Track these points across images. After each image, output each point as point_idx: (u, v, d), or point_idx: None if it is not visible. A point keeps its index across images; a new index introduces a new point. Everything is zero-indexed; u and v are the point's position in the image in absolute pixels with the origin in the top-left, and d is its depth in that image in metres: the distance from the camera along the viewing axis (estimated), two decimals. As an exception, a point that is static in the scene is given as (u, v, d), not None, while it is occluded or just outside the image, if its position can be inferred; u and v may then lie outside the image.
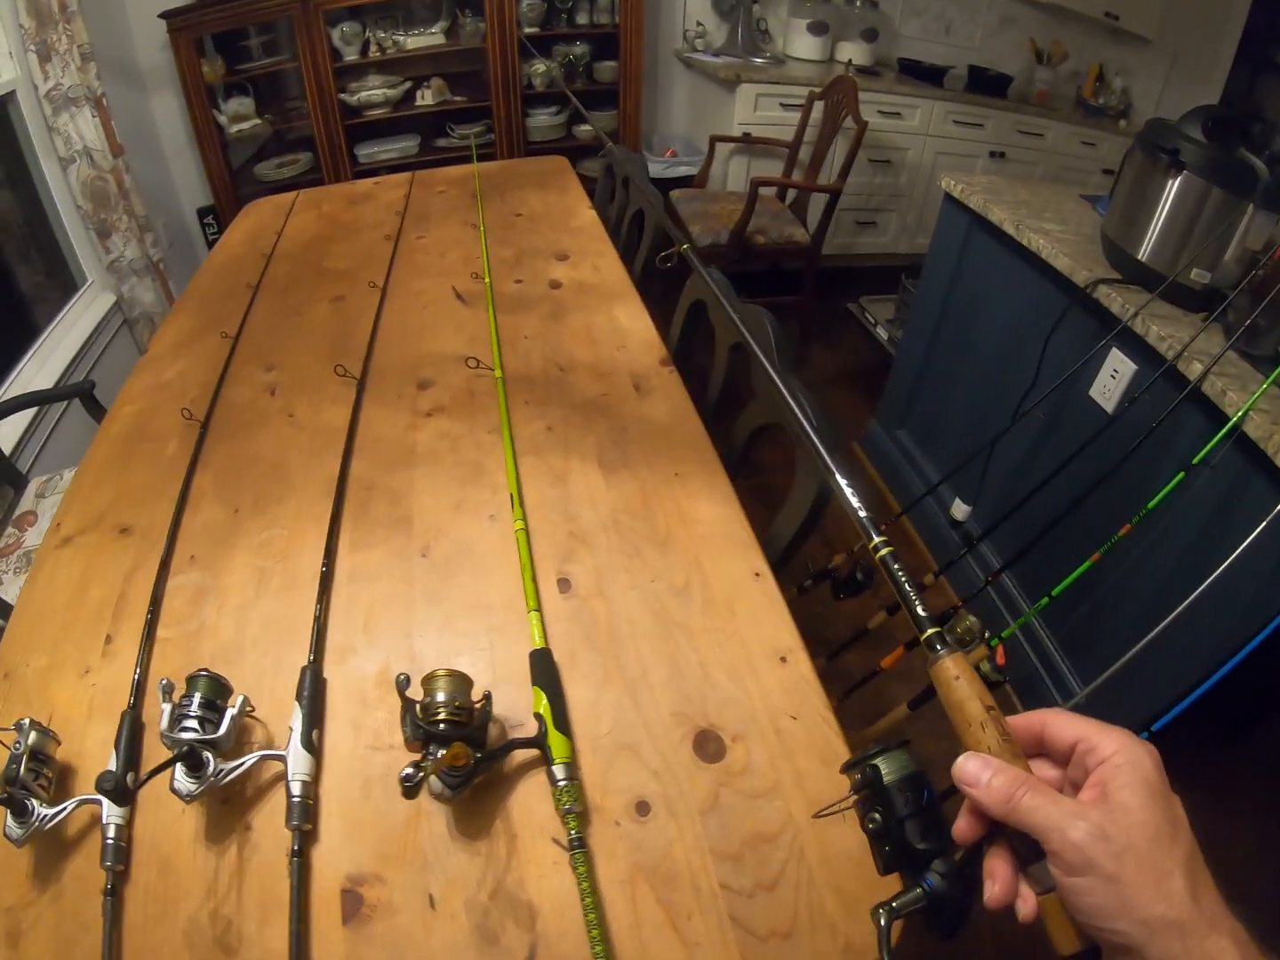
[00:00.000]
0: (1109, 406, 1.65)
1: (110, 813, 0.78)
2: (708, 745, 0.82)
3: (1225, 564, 1.18)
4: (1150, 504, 1.38)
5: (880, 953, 0.44)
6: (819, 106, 3.25)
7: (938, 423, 2.43)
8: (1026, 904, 0.40)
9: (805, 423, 0.75)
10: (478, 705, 0.78)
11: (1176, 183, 1.51)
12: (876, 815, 0.45)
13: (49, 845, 0.79)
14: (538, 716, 0.80)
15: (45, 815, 0.76)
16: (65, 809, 0.77)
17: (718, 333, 1.42)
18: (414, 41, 3.17)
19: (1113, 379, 1.63)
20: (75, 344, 2.42)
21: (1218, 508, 1.43)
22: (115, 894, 0.73)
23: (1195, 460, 1.35)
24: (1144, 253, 1.59)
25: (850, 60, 3.58)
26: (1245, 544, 1.19)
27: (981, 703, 0.42)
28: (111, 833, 0.77)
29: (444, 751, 0.70)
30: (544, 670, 0.85)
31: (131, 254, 2.63)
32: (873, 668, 1.57)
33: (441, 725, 0.73)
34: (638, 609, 0.96)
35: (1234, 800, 1.70)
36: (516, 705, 0.86)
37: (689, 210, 3.19)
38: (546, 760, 0.77)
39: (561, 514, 1.09)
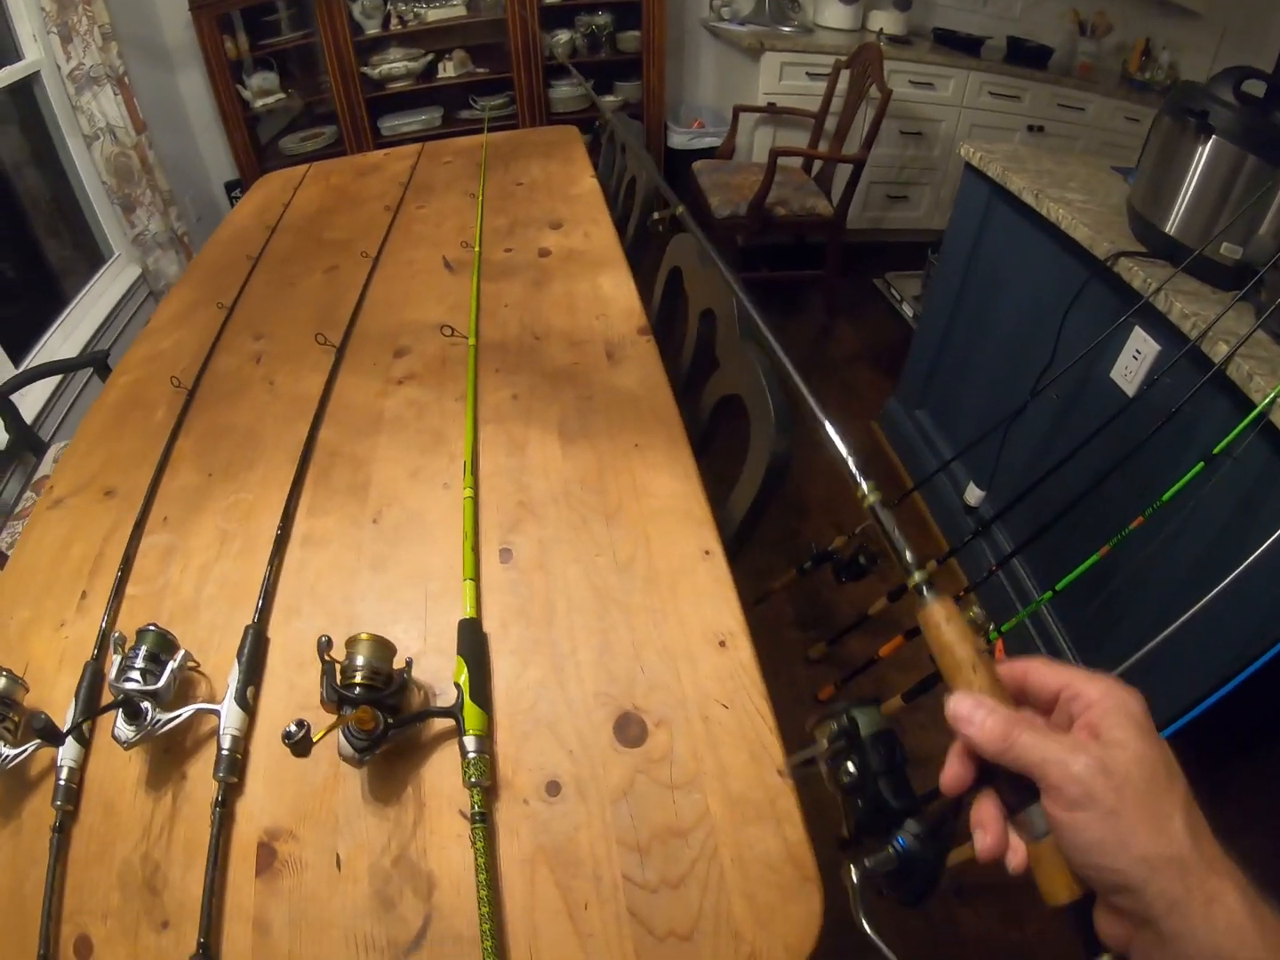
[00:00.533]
0: (1130, 389, 1.56)
1: (65, 756, 0.82)
2: (629, 729, 0.80)
3: (1246, 563, 1.10)
4: (1165, 496, 1.29)
5: (854, 913, 0.43)
6: (845, 76, 3.16)
7: (955, 403, 2.37)
8: (1017, 854, 0.39)
9: (780, 355, 0.65)
10: (397, 671, 0.79)
11: (1206, 149, 1.40)
12: (851, 768, 0.44)
13: (12, 785, 0.83)
14: (457, 686, 0.81)
15: (7, 756, 0.81)
16: (25, 750, 0.82)
17: (690, 300, 1.40)
18: (435, 14, 3.17)
19: (1135, 359, 1.54)
20: (100, 315, 2.50)
21: (1240, 502, 1.33)
22: (63, 831, 0.78)
23: (1216, 450, 1.25)
24: (1171, 225, 1.48)
25: (881, 29, 3.48)
26: (1269, 543, 1.11)
27: (972, 646, 0.41)
28: (64, 775, 0.81)
29: (352, 713, 0.72)
30: (470, 640, 0.86)
31: (156, 227, 2.69)
32: (874, 654, 1.55)
33: (357, 689, 0.75)
34: (577, 583, 0.95)
35: (1248, 814, 1.58)
36: (442, 674, 0.86)
37: (710, 181, 3.15)
38: (460, 731, 0.77)
39: (514, 483, 1.10)
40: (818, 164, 3.30)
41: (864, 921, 0.43)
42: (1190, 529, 1.41)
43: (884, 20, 3.49)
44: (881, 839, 0.43)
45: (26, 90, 2.48)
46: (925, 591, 0.43)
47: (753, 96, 3.41)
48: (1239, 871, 0.35)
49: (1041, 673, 0.41)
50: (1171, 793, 0.36)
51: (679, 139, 3.65)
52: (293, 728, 0.65)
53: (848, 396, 2.98)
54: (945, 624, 0.42)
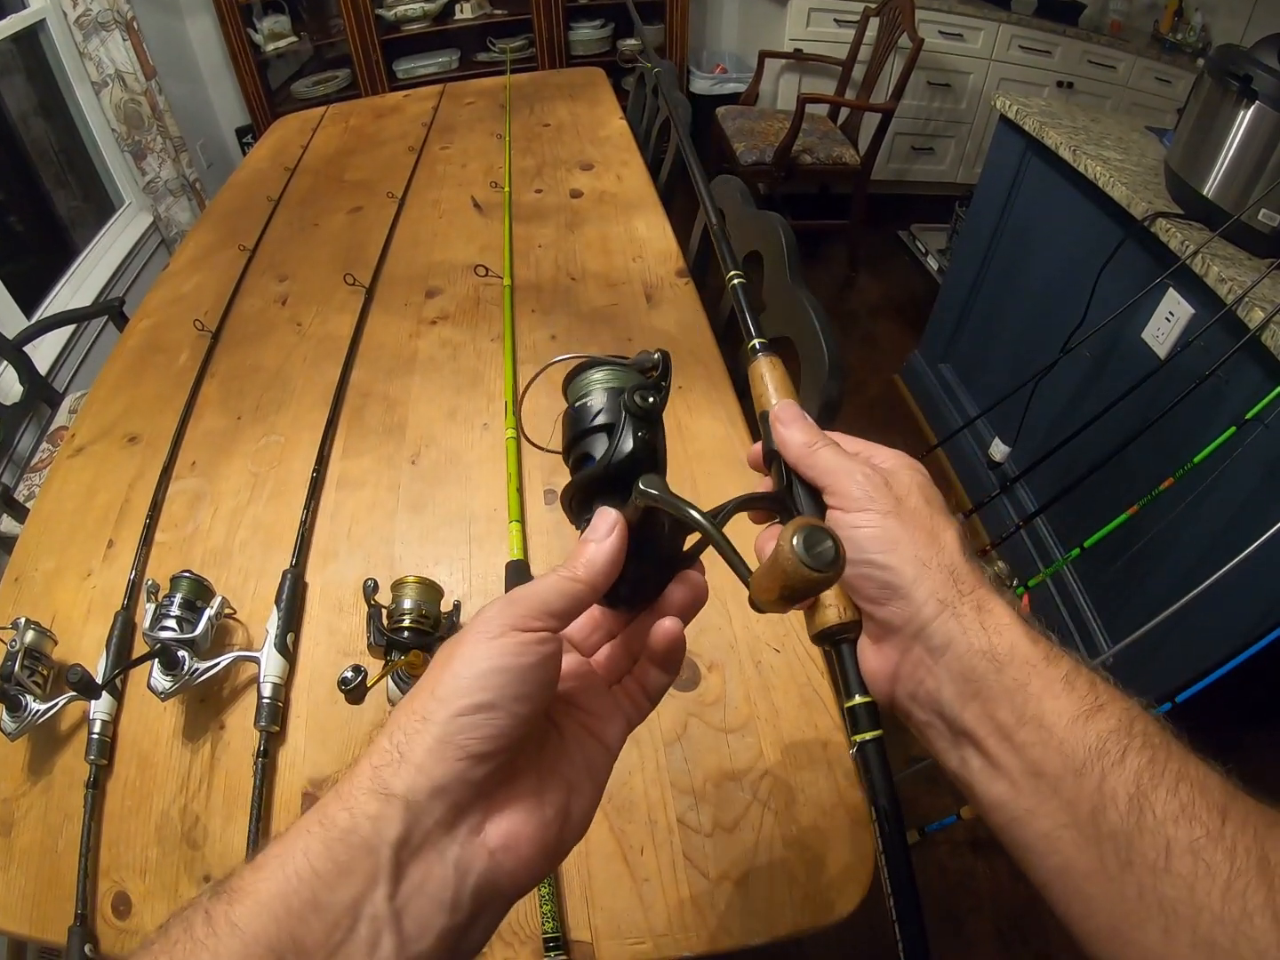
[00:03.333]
0: (1161, 351, 1.53)
1: (97, 709, 0.79)
2: (682, 672, 0.78)
3: (1271, 531, 1.08)
4: (1196, 458, 1.28)
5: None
6: (874, 24, 3.05)
7: (982, 358, 2.32)
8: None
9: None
10: (445, 614, 0.75)
11: (1248, 114, 1.36)
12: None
13: (43, 739, 0.80)
14: (507, 628, 0.77)
15: (38, 710, 0.77)
16: (57, 704, 0.78)
17: (733, 242, 1.34)
18: (451, -49, 3.06)
19: (1167, 321, 1.51)
20: (112, 264, 2.44)
21: (1270, 469, 1.31)
22: (97, 786, 0.75)
23: (1249, 415, 1.23)
24: (1209, 188, 1.44)
25: (913, -24, 3.33)
26: (1296, 512, 1.08)
27: (787, 393, 0.43)
28: (97, 728, 0.78)
29: (402, 657, 0.68)
30: (518, 582, 0.82)
31: (167, 174, 2.63)
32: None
33: (405, 633, 0.71)
34: (624, 524, 0.91)
35: (1264, 785, 1.55)
36: (489, 616, 0.83)
37: (734, 127, 3.05)
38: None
39: (557, 426, 1.05)
40: (844, 113, 3.20)
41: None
42: (1217, 494, 1.39)
43: (915, -33, 3.35)
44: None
45: (32, 38, 2.41)
46: (759, 351, 0.45)
47: (778, 42, 3.30)
48: (1007, 593, 0.35)
49: (843, 442, 0.41)
50: (946, 519, 0.37)
51: (702, 84, 3.53)
52: (349, 673, 0.61)
53: (869, 349, 2.92)
54: (767, 373, 0.44)
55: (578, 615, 0.36)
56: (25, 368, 1.82)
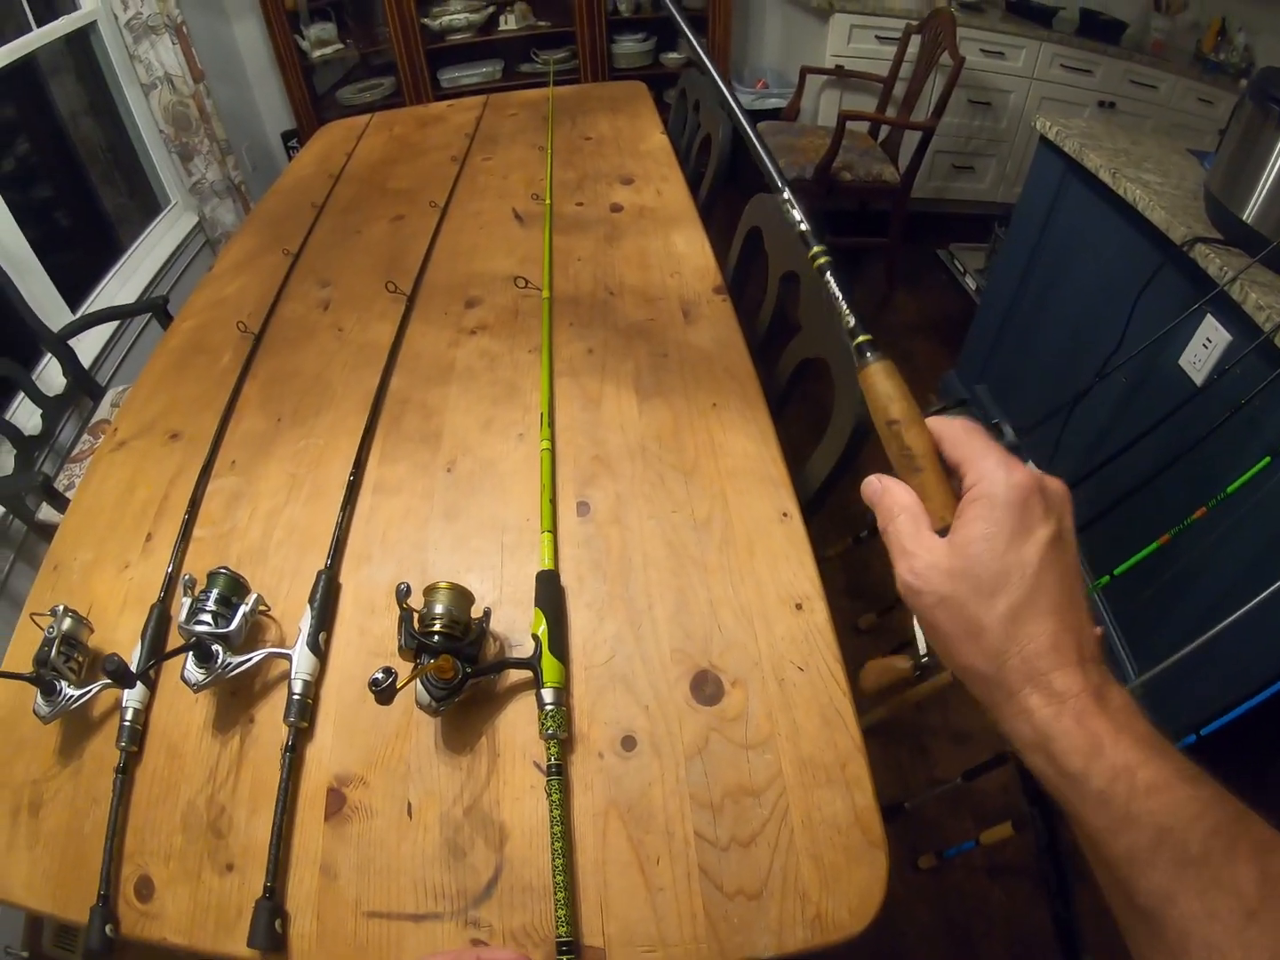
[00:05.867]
0: (1198, 378, 1.51)
1: (130, 697, 0.81)
2: (705, 687, 0.78)
3: None
4: (1230, 488, 1.27)
5: None
6: (915, 41, 3.05)
7: (1017, 379, 2.31)
8: None
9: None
10: (475, 621, 0.77)
11: None
12: None
13: (75, 725, 0.83)
14: (535, 638, 0.79)
15: (71, 696, 0.80)
16: (90, 691, 0.81)
17: (770, 261, 1.35)
18: (497, -36, 3.10)
19: (1205, 348, 1.49)
20: (157, 262, 2.50)
21: None
22: (126, 773, 0.77)
23: None
24: (1249, 213, 1.42)
25: (953, -5, 3.33)
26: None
27: (907, 402, 0.40)
28: (129, 716, 0.80)
29: (432, 661, 0.69)
30: (548, 592, 0.84)
31: (213, 176, 2.69)
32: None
33: (436, 637, 0.72)
34: (653, 539, 0.92)
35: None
36: (518, 626, 0.84)
37: (775, 143, 3.06)
38: (537, 683, 0.75)
39: (590, 437, 1.06)
40: (884, 130, 3.20)
41: None
42: (1250, 525, 1.38)
43: (957, -15, 3.35)
44: None
45: (83, 39, 2.48)
46: (869, 353, 0.41)
47: (820, 58, 3.31)
48: (1074, 682, 0.33)
49: (952, 444, 0.39)
50: (994, 603, 0.34)
51: (743, 99, 3.53)
52: (380, 675, 0.62)
53: (905, 366, 2.85)
54: (884, 380, 0.41)
55: None
56: (69, 361, 1.87)
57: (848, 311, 0.43)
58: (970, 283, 3.26)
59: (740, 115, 0.53)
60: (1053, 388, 2.06)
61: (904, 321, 3.16)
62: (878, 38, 3.26)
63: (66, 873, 0.72)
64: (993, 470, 0.36)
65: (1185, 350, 1.54)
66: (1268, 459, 1.24)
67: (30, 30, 2.18)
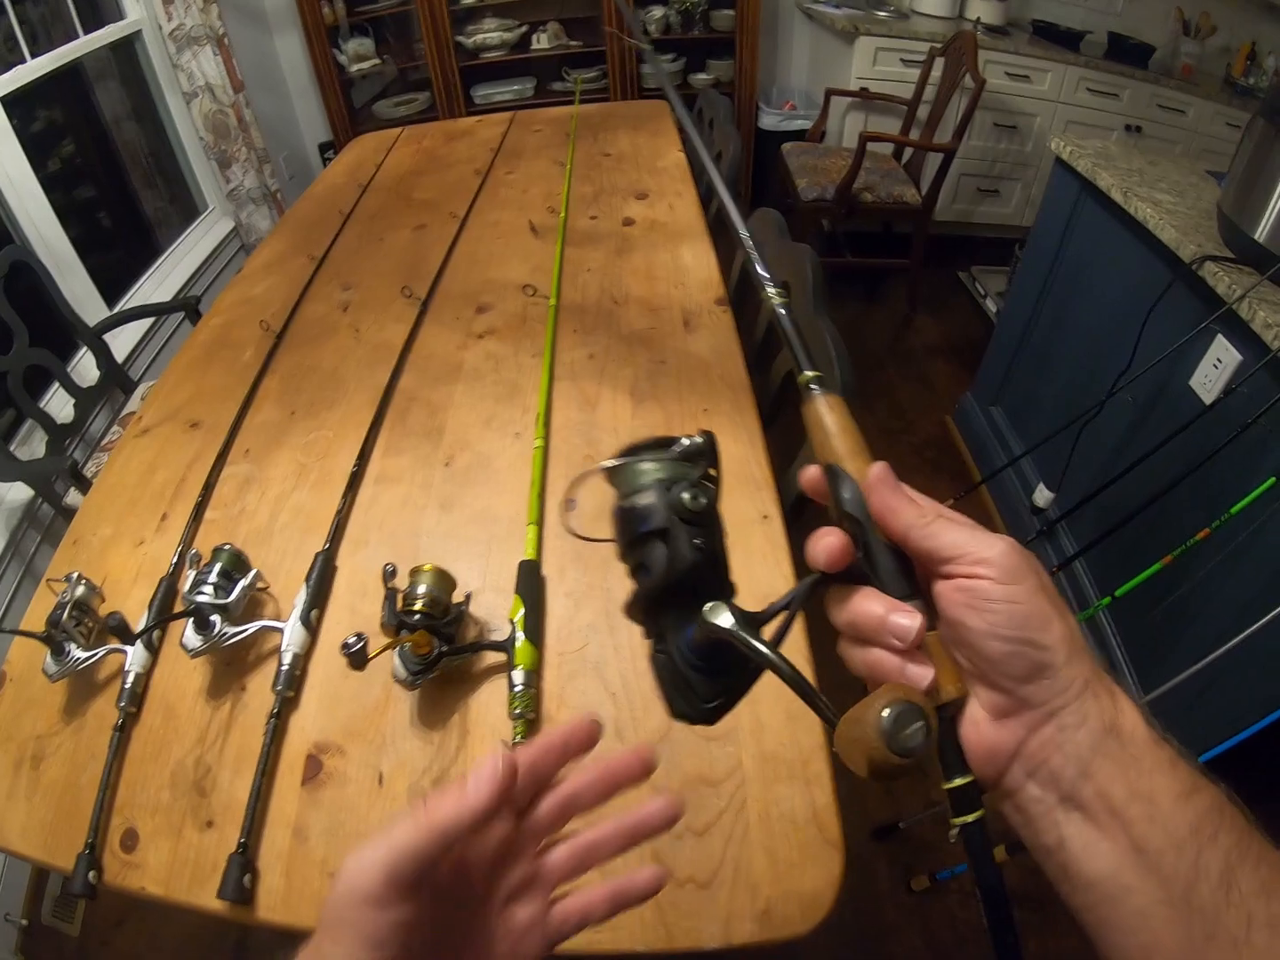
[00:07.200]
0: (1209, 399, 1.49)
1: (133, 661, 0.86)
2: None
3: None
4: (1234, 509, 1.25)
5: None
6: (939, 64, 3.08)
7: (1032, 402, 2.30)
8: (914, 619, 0.34)
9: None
10: (456, 604, 0.81)
11: None
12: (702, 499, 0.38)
13: (80, 686, 0.88)
14: (511, 623, 0.82)
15: (79, 658, 0.85)
16: (97, 654, 0.86)
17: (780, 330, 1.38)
18: (530, -15, 3.19)
19: (1215, 368, 1.47)
20: (193, 265, 2.59)
21: None
22: (124, 731, 0.82)
23: None
24: (1261, 232, 1.40)
25: (979, 18, 3.35)
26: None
27: (855, 439, 0.38)
28: (130, 679, 0.85)
29: (409, 635, 0.73)
30: (528, 580, 0.88)
31: (250, 183, 2.78)
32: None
33: (416, 615, 0.77)
34: (637, 534, 0.95)
35: None
36: (498, 612, 0.88)
37: (798, 163, 3.11)
38: (509, 665, 0.79)
39: (584, 438, 1.10)
40: (908, 152, 3.23)
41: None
42: (1257, 547, 1.35)
43: (982, 9, 3.37)
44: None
45: (128, 48, 2.59)
46: (814, 388, 0.39)
47: (845, 80, 3.35)
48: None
49: (931, 531, 0.35)
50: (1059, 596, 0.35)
51: (770, 120, 3.60)
52: (352, 639, 0.66)
53: (923, 389, 2.91)
54: (827, 415, 0.38)
55: (435, 858, 0.36)
56: (103, 354, 1.95)
57: (800, 349, 0.41)
58: (991, 305, 3.26)
59: (707, 159, 0.54)
60: (1066, 408, 2.03)
61: (925, 344, 3.17)
62: (902, 60, 3.29)
63: (60, 822, 0.77)
64: (1008, 551, 0.34)
65: (1196, 371, 1.53)
66: (1273, 480, 1.22)
67: (77, 37, 2.28)
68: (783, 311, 0.42)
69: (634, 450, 0.39)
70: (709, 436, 0.38)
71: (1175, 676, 1.15)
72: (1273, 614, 1.07)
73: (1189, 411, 1.49)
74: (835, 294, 3.42)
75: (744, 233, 0.48)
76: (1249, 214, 1.43)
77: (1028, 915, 1.45)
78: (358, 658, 0.66)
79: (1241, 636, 1.08)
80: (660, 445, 0.39)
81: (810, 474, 0.39)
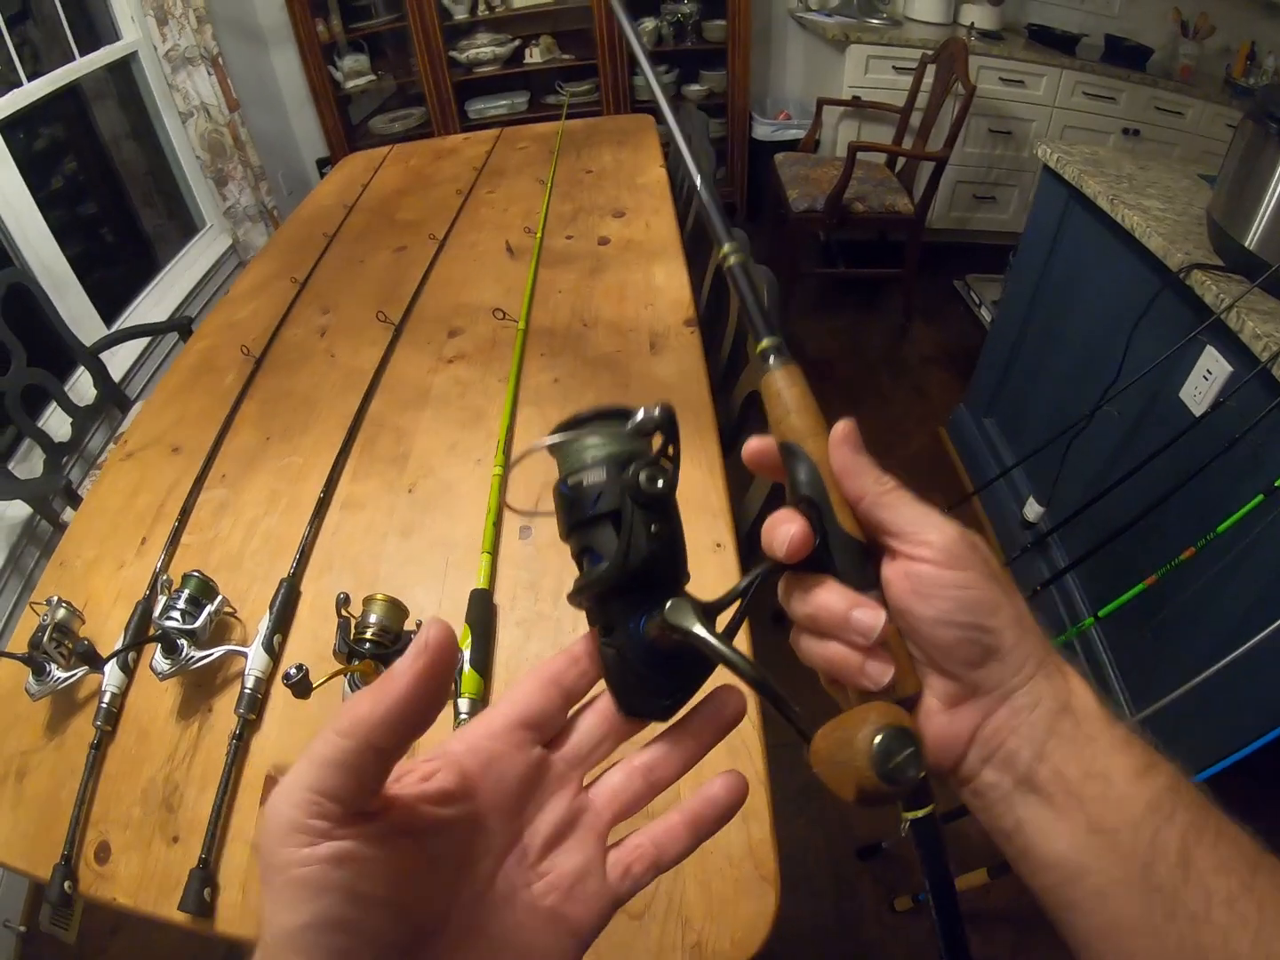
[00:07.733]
0: (1198, 412, 1.45)
1: (109, 682, 0.91)
2: None
3: None
4: (1220, 527, 1.23)
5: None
6: (931, 71, 3.09)
7: (1023, 413, 2.28)
8: (875, 614, 0.32)
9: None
10: (406, 632, 0.84)
11: None
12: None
13: (62, 704, 0.93)
14: (460, 651, 0.86)
15: (59, 678, 0.90)
16: (75, 675, 0.91)
17: (733, 292, 1.41)
18: (522, 0, 3.22)
19: (1205, 380, 1.43)
20: (190, 283, 2.65)
21: None
22: (100, 749, 0.87)
23: (1278, 483, 1.17)
24: (1251, 239, 1.36)
25: (973, 23, 3.36)
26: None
27: (813, 416, 0.35)
28: (107, 699, 0.90)
29: (356, 664, 0.77)
30: (479, 610, 0.91)
31: (246, 201, 2.84)
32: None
33: (366, 644, 0.81)
34: (589, 562, 0.98)
35: None
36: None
37: (790, 174, 3.12)
38: (455, 693, 0.82)
39: (544, 464, 1.12)
40: (901, 161, 3.24)
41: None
42: (1247, 564, 1.33)
43: (976, 14, 3.37)
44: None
45: (125, 69, 2.64)
46: (772, 358, 0.36)
47: (838, 89, 3.36)
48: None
49: (887, 501, 0.34)
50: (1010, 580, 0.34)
51: (763, 130, 3.62)
52: (292, 670, 0.70)
53: (917, 399, 2.91)
54: (786, 390, 0.35)
55: (381, 773, 0.28)
56: (100, 373, 2.00)
57: (759, 312, 0.37)
58: (986, 314, 3.25)
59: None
60: (1057, 420, 1.98)
61: (919, 354, 3.16)
62: (895, 68, 3.29)
63: (41, 834, 0.81)
64: (959, 535, 0.33)
65: (1186, 383, 1.49)
66: (1260, 497, 1.19)
67: (74, 59, 2.33)
68: (739, 271, 0.38)
69: (582, 421, 0.35)
70: (668, 409, 0.34)
71: (1168, 694, 1.14)
72: (1267, 631, 1.07)
73: (1179, 424, 1.45)
74: (831, 303, 3.47)
75: (693, 168, 0.42)
76: (1239, 220, 1.39)
77: (1014, 937, 1.48)
78: (299, 688, 0.70)
79: (1233, 655, 1.07)
80: (612, 416, 0.34)
81: (757, 445, 0.37)
